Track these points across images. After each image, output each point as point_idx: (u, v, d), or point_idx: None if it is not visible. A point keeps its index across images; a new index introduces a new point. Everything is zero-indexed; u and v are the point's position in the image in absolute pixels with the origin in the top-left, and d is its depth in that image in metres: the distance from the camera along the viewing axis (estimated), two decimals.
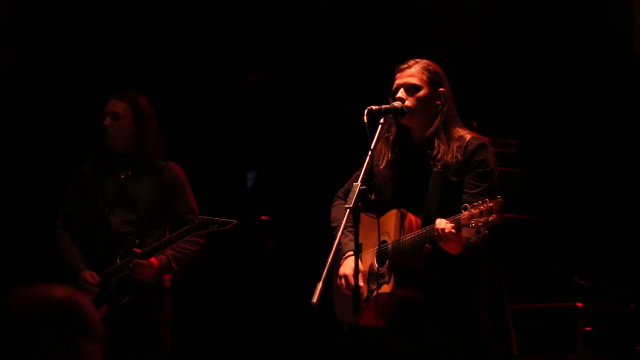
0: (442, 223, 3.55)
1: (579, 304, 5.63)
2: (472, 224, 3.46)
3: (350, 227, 3.71)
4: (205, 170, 6.19)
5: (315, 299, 3.28)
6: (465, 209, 3.49)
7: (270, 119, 6.78)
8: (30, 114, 6.12)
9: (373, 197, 3.88)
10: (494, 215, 3.39)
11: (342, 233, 3.66)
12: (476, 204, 3.47)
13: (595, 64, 6.24)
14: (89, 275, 4.78)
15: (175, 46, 6.46)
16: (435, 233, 3.56)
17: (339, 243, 3.70)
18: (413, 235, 3.72)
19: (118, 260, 4.78)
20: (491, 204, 3.41)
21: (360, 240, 3.61)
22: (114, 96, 4.95)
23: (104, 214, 4.87)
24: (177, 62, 6.46)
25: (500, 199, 3.42)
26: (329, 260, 3.38)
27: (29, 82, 6.13)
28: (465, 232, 3.59)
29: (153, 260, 4.70)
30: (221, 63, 6.64)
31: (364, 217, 3.80)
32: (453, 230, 3.52)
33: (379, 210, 3.87)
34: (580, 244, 6.15)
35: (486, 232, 3.50)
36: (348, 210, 3.51)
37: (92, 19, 6.21)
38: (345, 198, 4.02)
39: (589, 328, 5.61)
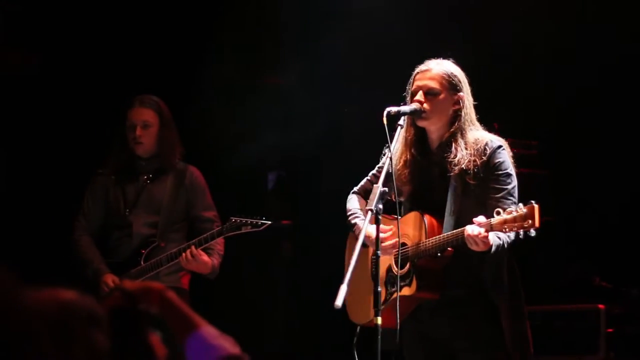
0: (474, 230, 3.56)
1: (601, 306, 5.60)
2: (506, 228, 3.50)
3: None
4: (226, 172, 6.19)
5: (339, 301, 3.28)
6: (498, 214, 3.51)
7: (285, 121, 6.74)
8: (48, 116, 6.11)
9: (392, 197, 3.85)
10: (529, 221, 3.44)
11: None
12: (510, 209, 3.50)
13: (618, 63, 6.18)
14: (111, 280, 4.77)
15: (187, 48, 6.42)
16: (467, 239, 3.57)
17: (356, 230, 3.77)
18: (439, 239, 3.74)
19: (142, 262, 4.80)
20: (526, 210, 3.45)
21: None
22: (137, 104, 4.93)
23: (125, 216, 4.88)
24: (192, 63, 6.43)
25: (535, 204, 3.45)
26: (354, 260, 3.37)
27: (47, 85, 6.13)
28: (493, 234, 3.60)
29: (207, 258, 4.74)
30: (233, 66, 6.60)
31: (382, 219, 3.76)
32: (486, 235, 3.54)
33: (397, 212, 3.86)
34: (602, 246, 6.11)
35: (519, 235, 3.53)
36: (369, 212, 3.52)
37: (90, 21, 6.17)
38: (361, 194, 4.07)
39: (610, 330, 5.59)
